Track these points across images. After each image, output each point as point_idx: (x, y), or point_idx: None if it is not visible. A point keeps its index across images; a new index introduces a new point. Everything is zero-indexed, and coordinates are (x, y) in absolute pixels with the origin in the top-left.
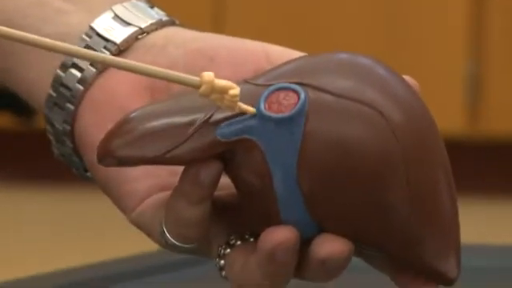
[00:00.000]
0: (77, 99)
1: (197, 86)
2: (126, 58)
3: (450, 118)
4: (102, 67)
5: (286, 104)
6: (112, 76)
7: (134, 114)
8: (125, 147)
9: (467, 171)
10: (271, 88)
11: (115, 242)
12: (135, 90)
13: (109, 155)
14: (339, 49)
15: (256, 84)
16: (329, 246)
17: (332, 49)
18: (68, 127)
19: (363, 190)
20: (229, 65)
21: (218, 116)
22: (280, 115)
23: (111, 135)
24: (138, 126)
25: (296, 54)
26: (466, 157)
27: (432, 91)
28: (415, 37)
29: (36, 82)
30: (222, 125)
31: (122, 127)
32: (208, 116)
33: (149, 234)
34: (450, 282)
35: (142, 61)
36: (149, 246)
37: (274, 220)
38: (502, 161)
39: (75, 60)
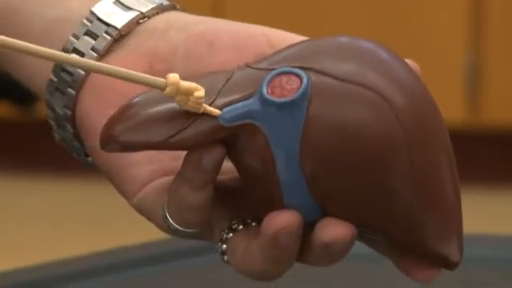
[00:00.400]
0: (78, 84)
1: (162, 88)
2: (127, 42)
3: (449, 108)
4: (103, 52)
5: (289, 88)
6: (113, 60)
7: (136, 100)
8: (128, 132)
9: (467, 161)
10: (274, 72)
11: (116, 231)
12: None
13: (112, 140)
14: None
15: (258, 68)
16: (332, 230)
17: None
18: (69, 112)
19: (366, 174)
20: (230, 49)
21: (221, 101)
22: (283, 99)
23: (114, 120)
24: (141, 111)
25: (297, 37)
26: (465, 147)
27: (432, 81)
28: (415, 27)
29: (37, 67)
30: (225, 109)
31: (124, 112)
32: (211, 101)
33: (151, 219)
34: (453, 265)
35: (142, 45)
36: (149, 235)
37: (277, 204)
38: (501, 151)
39: (76, 45)
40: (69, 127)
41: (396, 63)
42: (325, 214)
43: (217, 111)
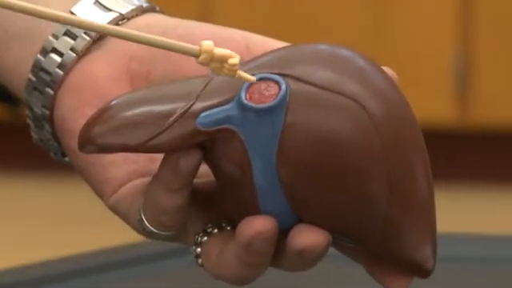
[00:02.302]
0: (56, 84)
1: (196, 55)
2: (106, 43)
3: (438, 108)
4: (82, 52)
5: (267, 95)
6: (92, 61)
7: (114, 102)
8: (105, 135)
9: (456, 161)
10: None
11: (91, 234)
12: (115, 76)
13: (89, 143)
14: (326, 38)
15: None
16: (306, 237)
17: (319, 39)
18: (47, 112)
19: (343, 183)
20: None
21: (199, 105)
22: (261, 105)
23: (92, 122)
24: (119, 113)
25: (276, 43)
26: (454, 146)
27: (421, 81)
28: (403, 26)
29: (16, 66)
30: (203, 114)
31: (102, 115)
32: (189, 105)
33: (126, 220)
34: (427, 273)
35: (121, 46)
36: (124, 238)
37: (253, 210)
38: (490, 150)
39: (55, 45)
40: (47, 127)
41: (373, 71)
42: (300, 220)
43: (252, 78)
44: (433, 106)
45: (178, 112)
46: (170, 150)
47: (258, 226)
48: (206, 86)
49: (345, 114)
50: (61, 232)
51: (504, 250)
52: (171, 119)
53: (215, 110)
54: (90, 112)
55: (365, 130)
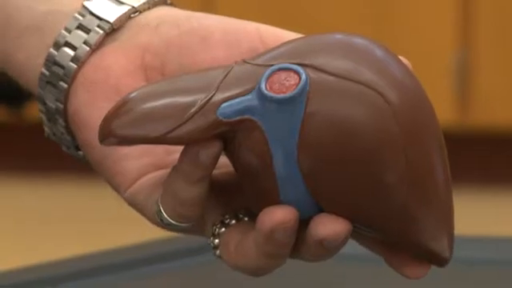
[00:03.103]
0: (70, 77)
1: None
2: (119, 36)
3: (438, 109)
4: (95, 46)
5: (288, 84)
6: (106, 54)
7: (133, 94)
8: (126, 127)
9: (456, 162)
10: (272, 68)
11: (110, 232)
12: (129, 69)
13: (110, 135)
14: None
15: (256, 64)
16: (328, 226)
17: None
18: (61, 105)
19: (363, 171)
20: (223, 45)
21: (220, 96)
22: (281, 96)
23: (111, 115)
24: (139, 105)
25: (289, 34)
26: (454, 147)
27: (421, 81)
28: (403, 26)
29: (28, 61)
30: (223, 105)
31: (122, 107)
32: (209, 97)
33: (143, 213)
34: (444, 262)
35: (135, 39)
36: (142, 236)
37: (273, 200)
38: (490, 151)
39: (68, 38)
40: (60, 121)
41: (390, 60)
42: (321, 209)
43: None
44: (433, 107)
45: (199, 103)
46: (191, 142)
47: (279, 215)
48: (225, 77)
49: (364, 103)
50: (63, 232)
51: (505, 251)
52: (192, 111)
53: (236, 100)
54: (104, 105)
55: (384, 118)
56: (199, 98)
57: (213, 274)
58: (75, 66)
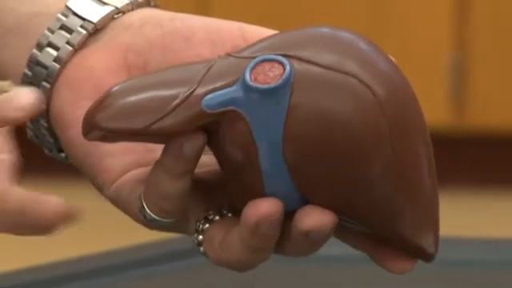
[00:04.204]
0: (52, 78)
1: None
2: (102, 37)
3: (434, 110)
4: (78, 46)
5: (272, 75)
6: (88, 54)
7: (115, 88)
8: (109, 120)
9: (452, 164)
10: (256, 59)
11: (102, 236)
12: (112, 68)
13: (94, 128)
14: None
15: (240, 57)
16: (313, 218)
17: None
18: (43, 106)
19: (350, 163)
20: (206, 44)
21: (203, 88)
22: (266, 86)
23: (94, 109)
24: (122, 99)
25: (272, 32)
26: (450, 149)
27: (416, 83)
28: (399, 27)
29: (11, 62)
30: (208, 96)
31: (104, 101)
32: (193, 88)
33: (126, 210)
34: (429, 257)
35: (118, 39)
36: (138, 238)
37: (258, 193)
38: (486, 153)
39: (51, 39)
40: (42, 122)
41: (376, 53)
42: (306, 202)
43: None
44: (428, 108)
45: (182, 95)
46: (175, 133)
47: (265, 208)
48: (208, 70)
49: (350, 94)
50: (62, 234)
51: (501, 253)
52: (175, 102)
53: (220, 92)
54: (87, 104)
55: (370, 110)
56: (183, 91)
57: (208, 276)
58: (58, 66)
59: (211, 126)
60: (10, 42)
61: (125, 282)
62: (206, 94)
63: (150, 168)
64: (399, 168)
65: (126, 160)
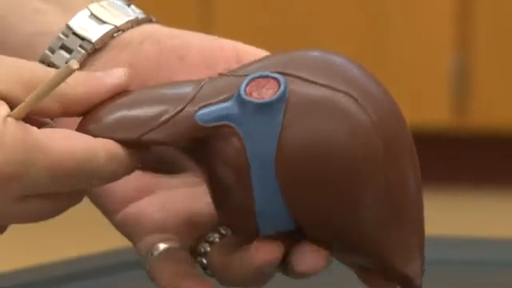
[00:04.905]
0: None
1: None
2: (101, 56)
3: (436, 111)
4: (91, 49)
5: (267, 92)
6: (99, 61)
7: (108, 104)
8: (103, 130)
9: (454, 164)
10: (252, 76)
11: (102, 236)
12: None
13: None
14: (325, 42)
15: (235, 75)
16: (308, 262)
17: (318, 43)
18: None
19: (343, 188)
20: (200, 64)
21: (198, 102)
22: (261, 100)
23: (87, 121)
24: (115, 112)
25: (266, 53)
26: (452, 149)
27: (419, 84)
28: (401, 30)
29: (18, 51)
30: (202, 110)
31: (97, 114)
32: (188, 102)
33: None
34: (416, 287)
35: (116, 59)
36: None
37: (248, 213)
38: (488, 153)
39: (52, 59)
40: None
41: (367, 77)
42: (296, 224)
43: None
44: (431, 109)
45: (176, 108)
46: (167, 144)
47: (269, 255)
48: (201, 87)
49: (346, 116)
50: (53, 236)
51: (503, 253)
52: (170, 114)
53: (215, 106)
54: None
55: (366, 134)
56: (177, 105)
57: (208, 276)
58: None
59: (202, 142)
60: (22, 48)
61: (125, 282)
62: (201, 108)
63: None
64: (390, 196)
65: (132, 185)
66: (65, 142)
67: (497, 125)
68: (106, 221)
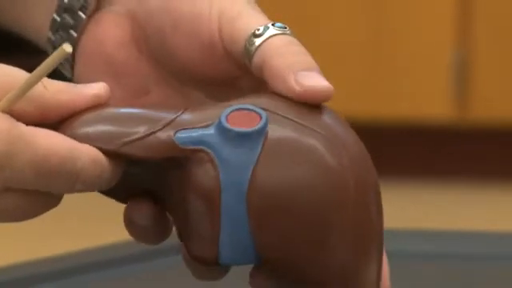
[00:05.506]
0: (74, 44)
1: None
2: (110, 5)
3: (437, 106)
4: (90, 12)
5: (248, 123)
6: (100, 23)
7: (89, 115)
8: (81, 138)
9: (454, 158)
10: (234, 107)
11: (92, 232)
12: (121, 43)
13: (72, 132)
14: (326, 39)
15: (215, 105)
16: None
17: (319, 39)
18: (70, 70)
19: (310, 226)
20: (185, 37)
21: (179, 123)
22: (242, 129)
23: (64, 128)
24: (96, 123)
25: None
26: (453, 144)
27: (419, 79)
28: (402, 26)
29: (38, 28)
30: (182, 132)
31: (76, 121)
32: (170, 120)
33: None
34: None
35: (126, 7)
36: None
37: (211, 241)
38: (489, 148)
39: (66, 3)
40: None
41: (340, 123)
42: (257, 260)
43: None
44: (431, 104)
45: (157, 127)
46: (145, 159)
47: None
48: (183, 113)
49: (319, 157)
50: (50, 230)
51: (504, 247)
52: (150, 130)
53: (194, 130)
54: (98, 80)
55: (337, 178)
56: (157, 125)
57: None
58: (75, 35)
59: (177, 164)
60: (34, 10)
61: (126, 276)
62: (181, 130)
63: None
64: (358, 236)
65: None
66: (50, 139)
67: (497, 119)
68: (105, 215)
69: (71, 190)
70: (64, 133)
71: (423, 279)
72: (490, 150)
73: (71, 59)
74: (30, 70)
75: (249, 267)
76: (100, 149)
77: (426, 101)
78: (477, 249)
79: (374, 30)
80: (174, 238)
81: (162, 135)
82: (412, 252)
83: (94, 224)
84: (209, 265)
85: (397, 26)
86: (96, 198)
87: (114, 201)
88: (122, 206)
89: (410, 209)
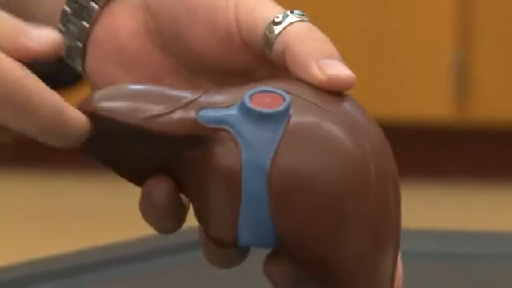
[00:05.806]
0: (83, 36)
1: None
2: None
3: (437, 105)
4: (103, 3)
5: (271, 104)
6: (114, 14)
7: (118, 86)
8: (109, 110)
9: (454, 157)
10: (257, 89)
11: (92, 230)
12: (135, 33)
13: (92, 111)
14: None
15: (241, 88)
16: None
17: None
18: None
19: (330, 208)
20: (203, 27)
21: (203, 101)
22: (265, 110)
23: (95, 95)
24: (128, 87)
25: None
26: (453, 143)
27: (419, 79)
28: (403, 25)
29: (47, 19)
30: (204, 110)
31: (108, 89)
32: (194, 98)
33: None
34: None
35: None
36: (135, 233)
37: (231, 222)
38: (489, 148)
39: None
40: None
41: (361, 111)
42: (277, 242)
43: None
44: (432, 103)
45: (181, 104)
46: (166, 134)
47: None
48: (207, 93)
49: (342, 144)
50: (49, 230)
51: (503, 246)
52: (177, 106)
53: (217, 110)
54: (111, 71)
55: (359, 165)
56: (182, 102)
57: (209, 269)
58: (87, 25)
59: (199, 142)
60: (45, 2)
61: (124, 276)
62: (204, 108)
63: None
64: (375, 224)
65: None
66: (38, 83)
67: (497, 119)
68: (92, 217)
69: (24, 135)
70: (86, 107)
71: (422, 279)
72: (490, 150)
73: (82, 51)
74: (39, 64)
75: (250, 267)
76: (122, 123)
77: (426, 101)
78: (476, 248)
79: (374, 30)
80: (172, 239)
81: (185, 113)
82: (413, 252)
83: (93, 224)
84: (226, 247)
85: (397, 25)
86: (96, 198)
87: (113, 201)
88: (121, 207)
89: (410, 209)
